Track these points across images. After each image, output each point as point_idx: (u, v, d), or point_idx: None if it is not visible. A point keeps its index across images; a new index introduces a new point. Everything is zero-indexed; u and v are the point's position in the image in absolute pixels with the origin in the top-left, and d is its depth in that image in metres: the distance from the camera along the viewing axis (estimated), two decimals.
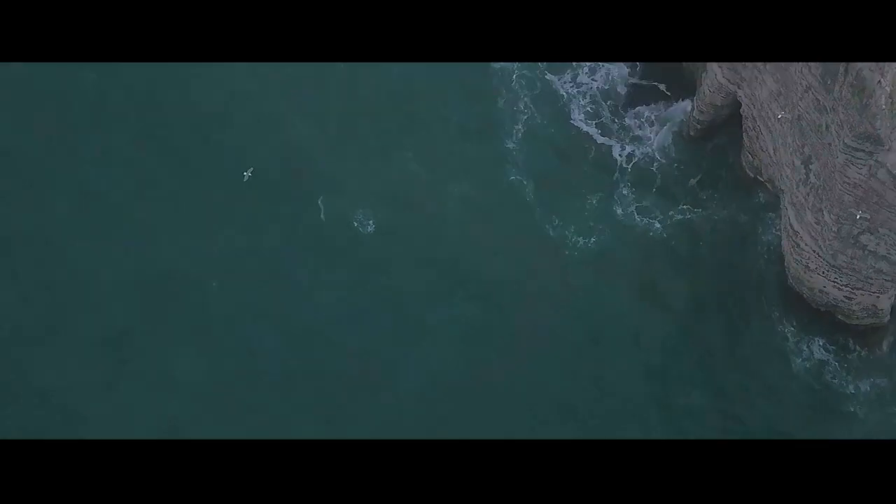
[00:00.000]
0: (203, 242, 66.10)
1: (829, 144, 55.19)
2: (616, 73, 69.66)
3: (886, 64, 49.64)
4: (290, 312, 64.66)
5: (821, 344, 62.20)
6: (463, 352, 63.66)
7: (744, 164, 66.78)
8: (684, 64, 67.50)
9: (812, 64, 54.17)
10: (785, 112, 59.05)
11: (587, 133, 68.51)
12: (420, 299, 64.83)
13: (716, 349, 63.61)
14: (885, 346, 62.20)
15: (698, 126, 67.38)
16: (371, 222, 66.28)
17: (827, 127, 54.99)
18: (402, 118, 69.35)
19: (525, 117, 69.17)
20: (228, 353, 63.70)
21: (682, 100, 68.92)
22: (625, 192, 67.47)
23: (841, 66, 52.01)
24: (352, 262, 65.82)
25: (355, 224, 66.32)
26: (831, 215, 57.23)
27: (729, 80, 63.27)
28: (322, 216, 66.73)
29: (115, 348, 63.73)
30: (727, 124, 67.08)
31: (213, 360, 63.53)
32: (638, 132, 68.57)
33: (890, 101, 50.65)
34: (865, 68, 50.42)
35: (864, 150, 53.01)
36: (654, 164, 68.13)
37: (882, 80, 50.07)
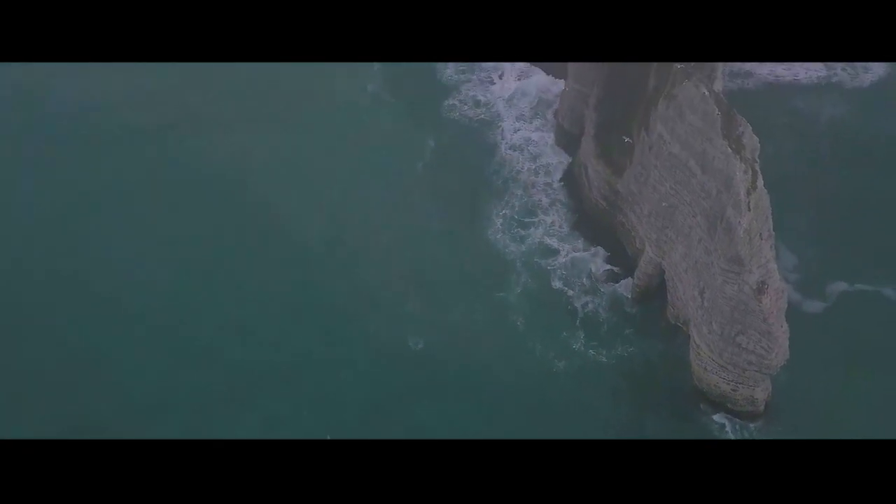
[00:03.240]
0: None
1: (714, 274, 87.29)
2: (584, 259, 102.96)
3: (745, 209, 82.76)
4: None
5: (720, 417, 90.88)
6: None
7: (668, 316, 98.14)
8: (630, 251, 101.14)
9: (700, 220, 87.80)
10: (687, 262, 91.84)
11: (562, 290, 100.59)
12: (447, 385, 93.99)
13: (646, 425, 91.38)
14: (760, 423, 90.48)
15: (638, 291, 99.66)
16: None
17: (711, 262, 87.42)
18: (428, 285, 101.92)
19: (523, 281, 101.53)
20: None
21: (627, 277, 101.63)
22: (581, 333, 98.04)
23: (718, 218, 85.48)
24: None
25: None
26: (717, 324, 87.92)
27: (656, 255, 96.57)
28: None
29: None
30: (658, 292, 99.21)
31: None
32: (596, 294, 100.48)
33: (747, 235, 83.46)
34: (732, 215, 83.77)
35: (733, 272, 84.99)
36: (604, 316, 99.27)
37: (742, 220, 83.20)
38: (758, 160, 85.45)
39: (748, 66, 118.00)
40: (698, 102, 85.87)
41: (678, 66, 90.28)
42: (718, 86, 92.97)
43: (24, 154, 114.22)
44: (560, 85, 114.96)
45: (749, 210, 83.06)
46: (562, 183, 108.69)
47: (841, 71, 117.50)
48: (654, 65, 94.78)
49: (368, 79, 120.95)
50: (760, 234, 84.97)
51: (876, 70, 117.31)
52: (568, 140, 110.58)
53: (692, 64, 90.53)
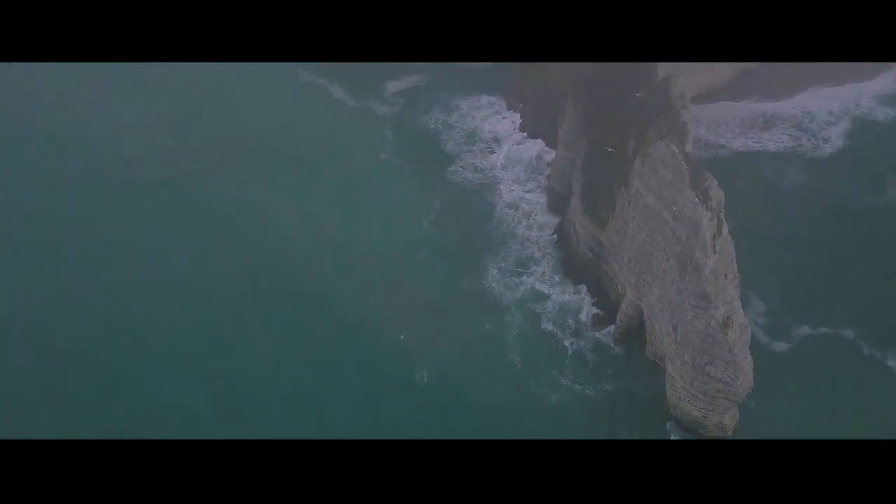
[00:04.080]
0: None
1: (685, 310, 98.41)
2: (571, 303, 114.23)
3: (711, 251, 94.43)
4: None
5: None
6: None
7: (648, 353, 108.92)
8: (613, 296, 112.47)
9: (672, 264, 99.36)
10: (662, 302, 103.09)
11: (552, 331, 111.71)
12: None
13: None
14: None
15: (620, 331, 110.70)
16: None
17: (683, 300, 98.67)
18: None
19: (517, 323, 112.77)
20: None
21: (611, 324, 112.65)
22: (569, 370, 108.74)
23: (688, 261, 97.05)
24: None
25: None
26: (688, 356, 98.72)
27: (635, 298, 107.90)
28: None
29: None
30: (638, 332, 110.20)
31: None
32: (582, 335, 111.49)
33: (713, 274, 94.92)
34: (700, 257, 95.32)
35: (702, 307, 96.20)
36: (591, 355, 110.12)
37: (708, 261, 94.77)
38: (723, 210, 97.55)
39: (723, 138, 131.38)
40: (669, 159, 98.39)
41: (651, 131, 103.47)
42: (689, 148, 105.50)
43: (49, 200, 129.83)
44: (552, 153, 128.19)
45: (715, 253, 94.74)
46: (553, 237, 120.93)
47: (805, 142, 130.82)
48: (633, 129, 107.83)
49: (382, 148, 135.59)
50: (725, 274, 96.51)
51: (835, 142, 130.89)
52: (559, 200, 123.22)
53: (665, 127, 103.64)
